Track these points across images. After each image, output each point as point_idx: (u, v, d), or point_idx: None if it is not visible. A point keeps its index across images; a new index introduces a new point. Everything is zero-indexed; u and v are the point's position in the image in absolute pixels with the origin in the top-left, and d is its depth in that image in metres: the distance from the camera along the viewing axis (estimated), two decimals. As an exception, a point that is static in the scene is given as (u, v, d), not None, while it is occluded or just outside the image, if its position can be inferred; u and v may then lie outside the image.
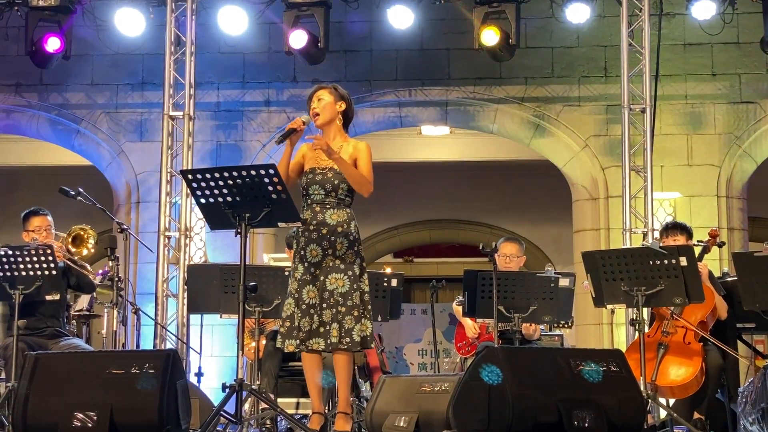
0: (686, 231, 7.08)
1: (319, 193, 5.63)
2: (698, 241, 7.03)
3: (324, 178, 5.63)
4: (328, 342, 5.49)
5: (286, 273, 7.00)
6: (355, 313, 5.51)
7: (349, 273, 5.54)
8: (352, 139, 5.77)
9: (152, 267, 9.80)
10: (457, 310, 7.69)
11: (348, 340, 5.48)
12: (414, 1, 10.01)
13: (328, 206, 5.61)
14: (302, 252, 5.62)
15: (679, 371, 6.53)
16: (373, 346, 5.64)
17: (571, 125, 10.67)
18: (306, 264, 5.60)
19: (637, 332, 6.39)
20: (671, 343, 6.60)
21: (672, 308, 6.61)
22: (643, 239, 9.19)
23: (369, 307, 5.62)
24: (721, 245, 7.08)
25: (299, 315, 5.55)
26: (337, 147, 5.63)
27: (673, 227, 7.14)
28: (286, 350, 5.62)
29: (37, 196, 9.62)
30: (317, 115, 5.69)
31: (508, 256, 7.66)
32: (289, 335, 5.58)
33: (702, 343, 6.68)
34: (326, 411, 5.96)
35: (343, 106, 5.74)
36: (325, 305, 5.51)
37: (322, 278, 5.54)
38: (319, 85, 5.83)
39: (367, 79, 10.73)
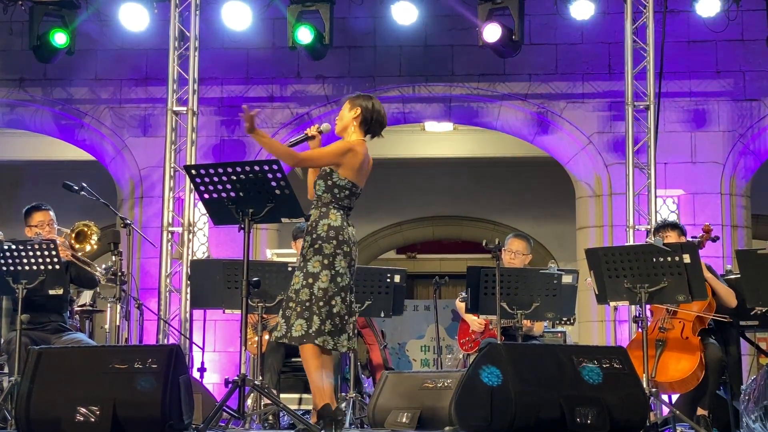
0: (677, 228, 7.10)
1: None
2: (692, 237, 7.04)
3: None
4: (281, 334, 5.55)
5: (290, 269, 7.03)
6: (298, 310, 5.51)
7: (304, 270, 5.56)
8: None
9: (155, 262, 9.81)
10: (460, 306, 7.69)
11: (290, 334, 5.52)
12: (418, -3, 10.01)
13: (312, 206, 5.70)
14: None
15: (678, 366, 6.53)
16: (305, 342, 5.48)
17: (575, 122, 10.65)
18: None
19: (639, 329, 6.39)
20: (669, 339, 6.61)
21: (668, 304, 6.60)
22: (647, 236, 9.19)
23: (321, 304, 5.48)
24: (715, 240, 7.06)
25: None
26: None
27: (663, 226, 7.16)
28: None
29: (41, 191, 9.64)
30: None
31: (514, 252, 7.66)
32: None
33: (700, 338, 6.68)
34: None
35: (358, 111, 5.72)
36: (286, 300, 5.61)
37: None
38: (346, 97, 5.98)
39: (370, 75, 10.72)
